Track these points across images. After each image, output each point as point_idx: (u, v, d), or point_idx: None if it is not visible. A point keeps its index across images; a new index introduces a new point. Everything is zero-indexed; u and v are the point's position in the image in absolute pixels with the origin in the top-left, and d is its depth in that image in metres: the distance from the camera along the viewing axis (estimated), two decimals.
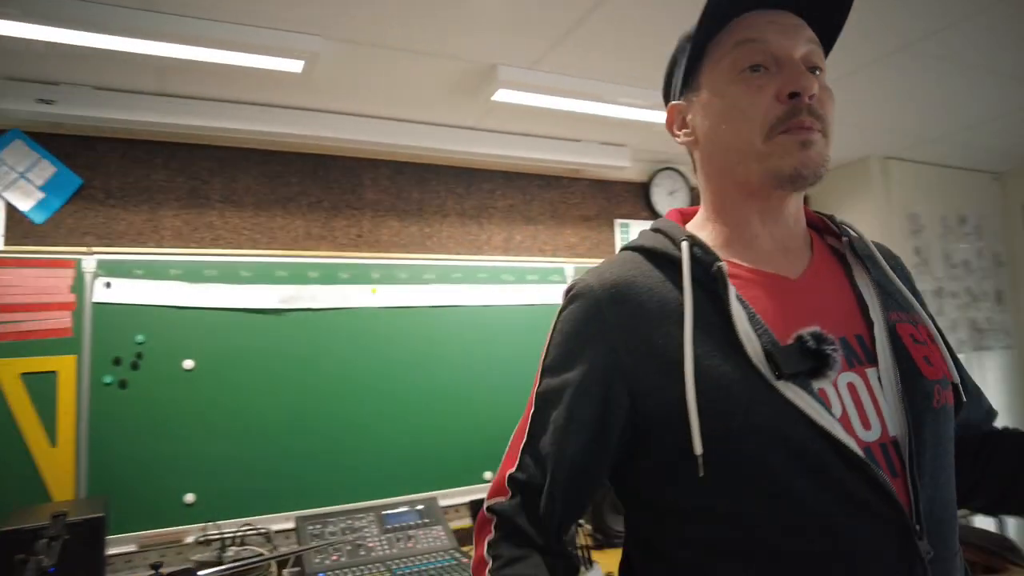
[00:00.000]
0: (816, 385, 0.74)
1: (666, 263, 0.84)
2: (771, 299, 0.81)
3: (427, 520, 2.27)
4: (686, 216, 0.96)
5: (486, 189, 3.05)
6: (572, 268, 3.11)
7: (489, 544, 0.82)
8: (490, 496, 0.87)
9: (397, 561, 2.02)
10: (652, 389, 0.77)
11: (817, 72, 0.81)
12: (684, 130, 0.91)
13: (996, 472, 0.90)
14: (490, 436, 2.79)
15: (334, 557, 2.00)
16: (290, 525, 2.23)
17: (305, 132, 2.50)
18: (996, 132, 3.38)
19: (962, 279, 3.93)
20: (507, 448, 0.90)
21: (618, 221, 3.34)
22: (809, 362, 0.74)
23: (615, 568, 0.95)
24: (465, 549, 2.18)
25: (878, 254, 0.91)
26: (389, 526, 2.16)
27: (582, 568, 1.74)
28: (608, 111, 2.61)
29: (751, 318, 0.77)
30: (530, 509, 0.82)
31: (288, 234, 2.62)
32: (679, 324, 0.77)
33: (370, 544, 2.07)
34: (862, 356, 0.79)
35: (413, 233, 2.88)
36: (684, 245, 0.82)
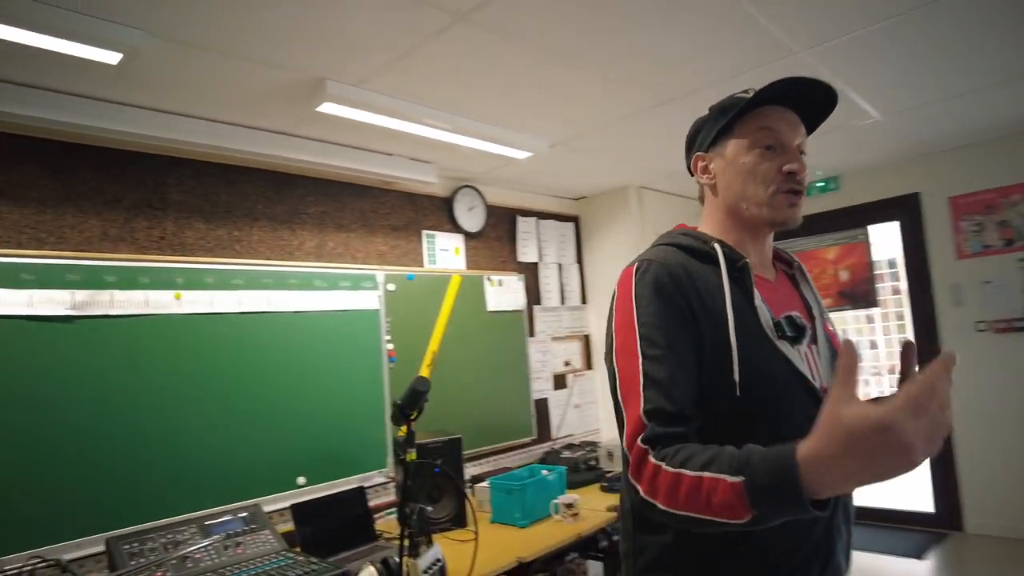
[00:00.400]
0: (800, 348, 1.14)
1: (703, 256, 1.17)
2: (764, 291, 1.17)
3: (253, 526, 2.25)
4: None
5: (298, 195, 3.07)
6: (383, 275, 3.26)
7: (660, 459, 0.97)
8: (632, 437, 1.02)
9: (229, 568, 1.99)
10: (710, 335, 1.08)
11: (802, 154, 1.19)
12: (707, 175, 1.26)
13: None
14: (306, 440, 2.83)
15: (158, 574, 1.91)
16: (100, 548, 2.06)
17: (107, 126, 2.32)
18: None
19: None
20: (622, 400, 1.07)
21: (425, 232, 3.57)
22: (793, 332, 1.13)
23: None
24: (296, 551, 2.22)
25: (809, 278, 1.33)
26: (215, 535, 2.11)
27: (421, 548, 1.91)
28: (421, 131, 2.84)
29: (760, 299, 1.14)
30: (673, 423, 1.01)
31: (81, 234, 2.40)
32: (721, 296, 1.10)
33: (198, 556, 2.01)
34: (815, 338, 1.21)
35: (221, 236, 2.79)
36: (716, 246, 1.17)
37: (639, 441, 0.99)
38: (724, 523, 0.88)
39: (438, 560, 1.88)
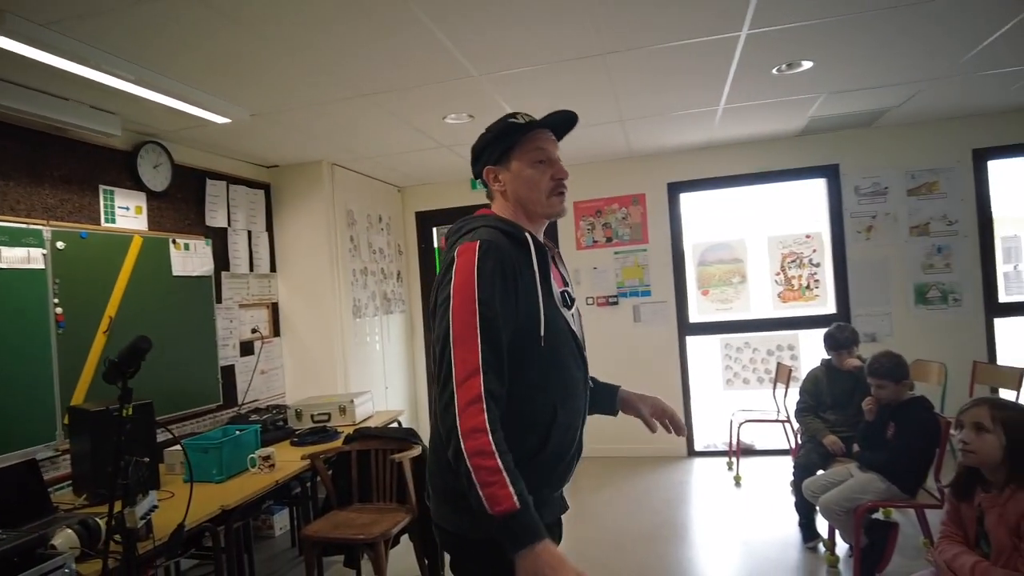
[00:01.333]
0: (571, 313, 1.55)
1: (517, 240, 1.47)
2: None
3: None
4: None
5: None
6: (50, 231, 2.95)
7: (494, 438, 1.26)
8: (467, 377, 1.29)
9: None
10: (523, 302, 1.41)
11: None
12: (498, 183, 1.57)
13: None
14: None
15: None
16: None
17: None
18: (397, 160, 4.80)
19: (379, 262, 5.32)
20: (454, 345, 1.32)
21: (103, 187, 3.29)
22: (568, 303, 1.54)
23: None
24: None
25: (561, 258, 1.68)
26: None
27: (139, 496, 1.92)
28: (112, 82, 2.68)
29: (551, 277, 1.51)
30: (499, 380, 1.33)
31: None
32: (531, 274, 1.44)
33: None
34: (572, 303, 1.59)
35: None
36: (528, 236, 1.49)
37: (481, 388, 1.29)
38: (478, 498, 1.23)
39: (154, 507, 1.96)
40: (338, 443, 3.33)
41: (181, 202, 3.82)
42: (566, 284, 1.61)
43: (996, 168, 4.89)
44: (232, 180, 4.24)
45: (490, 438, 1.26)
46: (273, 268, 4.60)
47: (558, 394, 1.44)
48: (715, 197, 5.63)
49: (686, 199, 5.49)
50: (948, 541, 1.95)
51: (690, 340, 5.49)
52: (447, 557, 3.20)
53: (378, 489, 3.20)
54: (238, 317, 4.19)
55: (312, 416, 3.80)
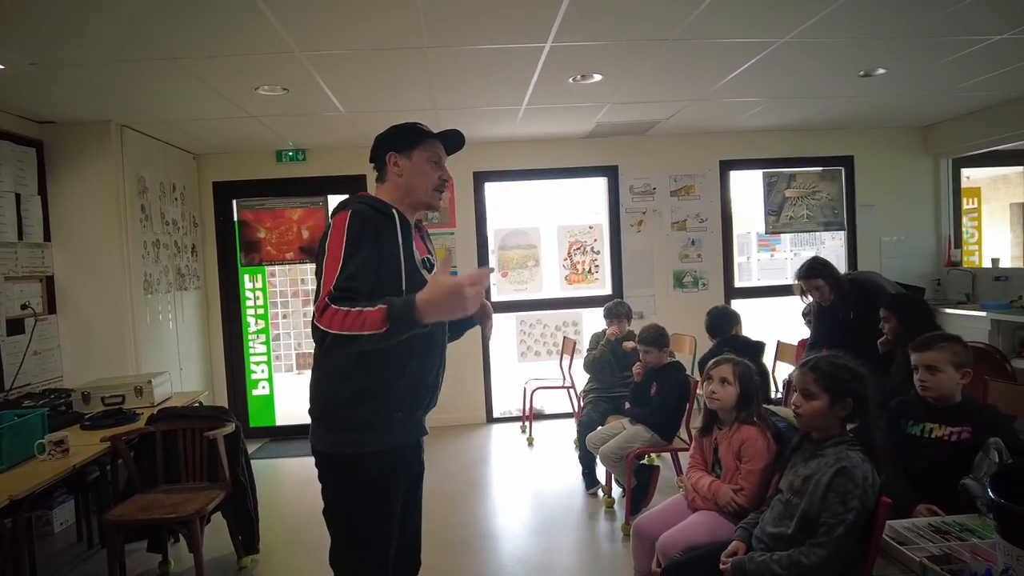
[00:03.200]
0: (429, 275, 1.81)
1: (384, 215, 1.76)
2: (415, 242, 1.85)
3: None
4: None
5: None
6: None
7: (338, 305, 1.54)
8: (323, 299, 1.56)
9: None
10: (386, 264, 1.70)
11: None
12: (397, 168, 1.86)
13: None
14: None
15: None
16: None
17: None
18: (197, 126, 4.56)
19: (172, 234, 4.97)
20: (323, 285, 1.61)
21: None
22: (427, 267, 1.84)
23: None
24: None
25: (430, 238, 2.02)
26: None
27: None
28: None
29: (413, 247, 1.80)
30: (351, 293, 1.58)
31: None
32: (395, 242, 1.73)
33: None
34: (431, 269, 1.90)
35: None
36: (394, 212, 1.78)
37: (327, 299, 1.57)
38: (370, 334, 1.51)
39: None
40: (140, 424, 3.17)
41: None
42: (429, 254, 1.94)
43: (736, 177, 6.00)
44: None
45: (340, 308, 1.55)
46: (47, 237, 4.10)
47: (414, 339, 1.68)
48: (515, 187, 6.13)
49: (490, 188, 5.90)
50: (694, 469, 2.52)
51: None
52: (261, 532, 3.26)
53: (187, 469, 3.12)
54: (4, 291, 3.69)
55: (103, 399, 3.51)
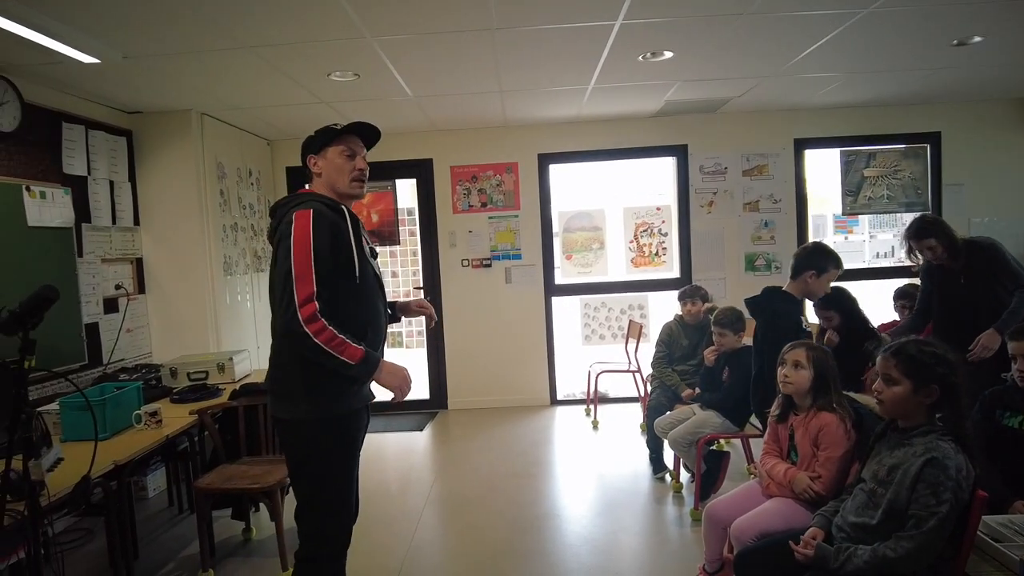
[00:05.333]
0: (375, 262, 2.14)
1: (336, 211, 2.01)
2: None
3: None
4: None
5: None
6: None
7: (329, 323, 1.84)
8: (307, 301, 1.84)
9: None
10: (342, 254, 1.95)
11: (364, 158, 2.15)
12: (316, 167, 2.10)
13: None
14: None
15: None
16: None
17: None
18: (271, 113, 4.70)
19: (248, 218, 5.17)
20: (296, 281, 1.85)
21: None
22: (374, 255, 2.17)
23: None
24: None
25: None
26: None
27: (43, 449, 1.87)
28: None
29: (364, 236, 2.10)
30: (322, 301, 1.86)
31: None
32: (348, 235, 1.98)
33: None
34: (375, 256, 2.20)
35: None
36: (344, 208, 2.05)
37: (315, 309, 1.85)
38: (343, 361, 1.86)
39: (60, 459, 1.94)
40: (223, 399, 3.33)
41: (33, 146, 3.51)
42: (370, 243, 2.19)
43: (811, 156, 5.75)
44: (90, 124, 3.93)
45: (328, 328, 1.85)
46: (136, 221, 4.34)
47: (368, 316, 2.04)
48: (580, 169, 6.07)
49: (555, 169, 5.87)
50: (768, 456, 2.46)
51: (555, 300, 5.94)
52: None
53: (267, 442, 3.27)
54: (101, 272, 3.94)
55: (189, 374, 3.72)
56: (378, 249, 2.38)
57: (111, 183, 4.08)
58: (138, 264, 4.35)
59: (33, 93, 3.49)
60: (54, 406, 2.86)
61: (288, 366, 1.98)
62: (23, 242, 3.34)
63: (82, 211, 3.82)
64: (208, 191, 4.49)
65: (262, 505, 3.40)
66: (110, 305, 4.02)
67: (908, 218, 6.08)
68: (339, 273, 1.93)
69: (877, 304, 4.30)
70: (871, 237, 6.26)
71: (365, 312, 2.04)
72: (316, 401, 1.97)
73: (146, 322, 4.37)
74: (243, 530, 3.40)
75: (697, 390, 3.88)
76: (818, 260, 3.03)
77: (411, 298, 2.52)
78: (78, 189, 3.79)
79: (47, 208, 3.50)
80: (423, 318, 2.42)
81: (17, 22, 2.63)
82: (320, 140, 2.10)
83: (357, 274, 1.97)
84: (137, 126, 4.35)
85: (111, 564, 2.69)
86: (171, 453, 3.47)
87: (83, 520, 3.52)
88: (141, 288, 4.36)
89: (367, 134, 2.16)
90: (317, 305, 1.84)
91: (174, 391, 3.53)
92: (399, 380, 1.98)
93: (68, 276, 3.63)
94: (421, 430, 5.35)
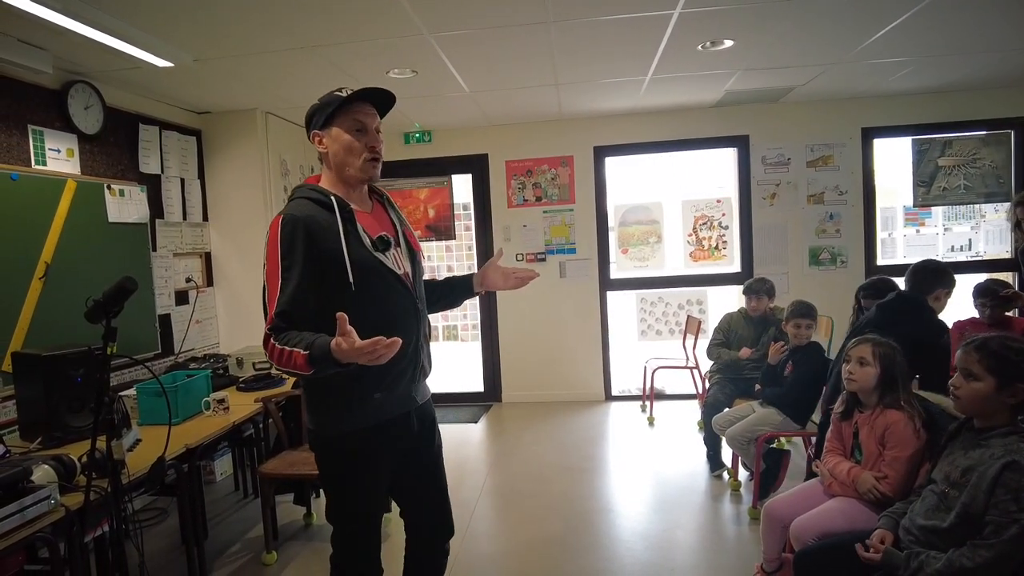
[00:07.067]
0: (389, 253, 1.77)
1: (324, 205, 1.70)
2: (364, 221, 1.78)
3: None
4: (317, 182, 1.81)
5: None
6: None
7: (277, 340, 1.55)
8: (268, 326, 1.58)
9: None
10: (328, 258, 1.65)
11: (379, 132, 1.78)
12: (322, 146, 1.77)
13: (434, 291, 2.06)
14: None
15: None
16: None
17: None
18: None
19: None
20: (267, 304, 1.62)
21: (32, 127, 3.17)
22: (383, 246, 1.75)
23: None
24: None
25: (393, 203, 1.94)
26: None
27: (124, 430, 2.00)
28: (30, 7, 2.49)
29: (363, 228, 1.74)
30: (291, 321, 1.58)
31: None
32: (335, 235, 1.67)
33: None
34: (399, 243, 1.84)
35: None
36: (332, 198, 1.71)
37: (269, 329, 1.58)
38: (301, 373, 1.53)
39: (138, 440, 2.06)
40: (286, 388, 3.45)
41: (114, 147, 3.71)
42: (395, 229, 1.85)
43: (880, 145, 5.51)
44: (164, 125, 4.13)
45: (278, 345, 1.55)
46: (205, 217, 4.54)
47: (379, 322, 1.59)
48: (636, 161, 5.99)
49: (610, 162, 5.81)
50: (831, 454, 2.38)
51: (610, 295, 5.89)
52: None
53: None
54: (172, 266, 4.14)
55: (254, 364, 3.87)
56: (433, 244, 2.17)
57: (182, 180, 4.28)
58: (207, 258, 4.54)
59: (113, 97, 3.69)
60: (131, 392, 3.03)
61: (301, 381, 1.92)
62: (104, 237, 3.54)
63: (155, 207, 4.02)
64: (272, 187, 4.65)
65: (322, 491, 3.51)
66: (181, 297, 4.21)
67: (988, 209, 5.80)
68: (328, 278, 1.64)
69: (954, 301, 4.08)
70: (945, 230, 5.95)
71: (376, 313, 1.67)
72: (331, 413, 1.76)
73: (214, 314, 4.56)
74: (304, 515, 3.52)
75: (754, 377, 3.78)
76: (948, 279, 2.90)
77: (498, 266, 2.10)
78: (152, 187, 3.99)
79: (125, 205, 3.70)
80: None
81: (103, 31, 2.79)
82: (324, 111, 1.74)
83: (350, 277, 1.64)
84: (206, 126, 4.54)
85: (183, 541, 2.83)
86: (237, 439, 3.62)
87: (157, 500, 3.72)
88: (209, 281, 4.55)
89: (379, 100, 1.79)
90: (272, 324, 1.58)
91: (240, 380, 3.67)
92: (360, 354, 1.43)
93: (143, 269, 3.83)
94: (476, 422, 5.41)
